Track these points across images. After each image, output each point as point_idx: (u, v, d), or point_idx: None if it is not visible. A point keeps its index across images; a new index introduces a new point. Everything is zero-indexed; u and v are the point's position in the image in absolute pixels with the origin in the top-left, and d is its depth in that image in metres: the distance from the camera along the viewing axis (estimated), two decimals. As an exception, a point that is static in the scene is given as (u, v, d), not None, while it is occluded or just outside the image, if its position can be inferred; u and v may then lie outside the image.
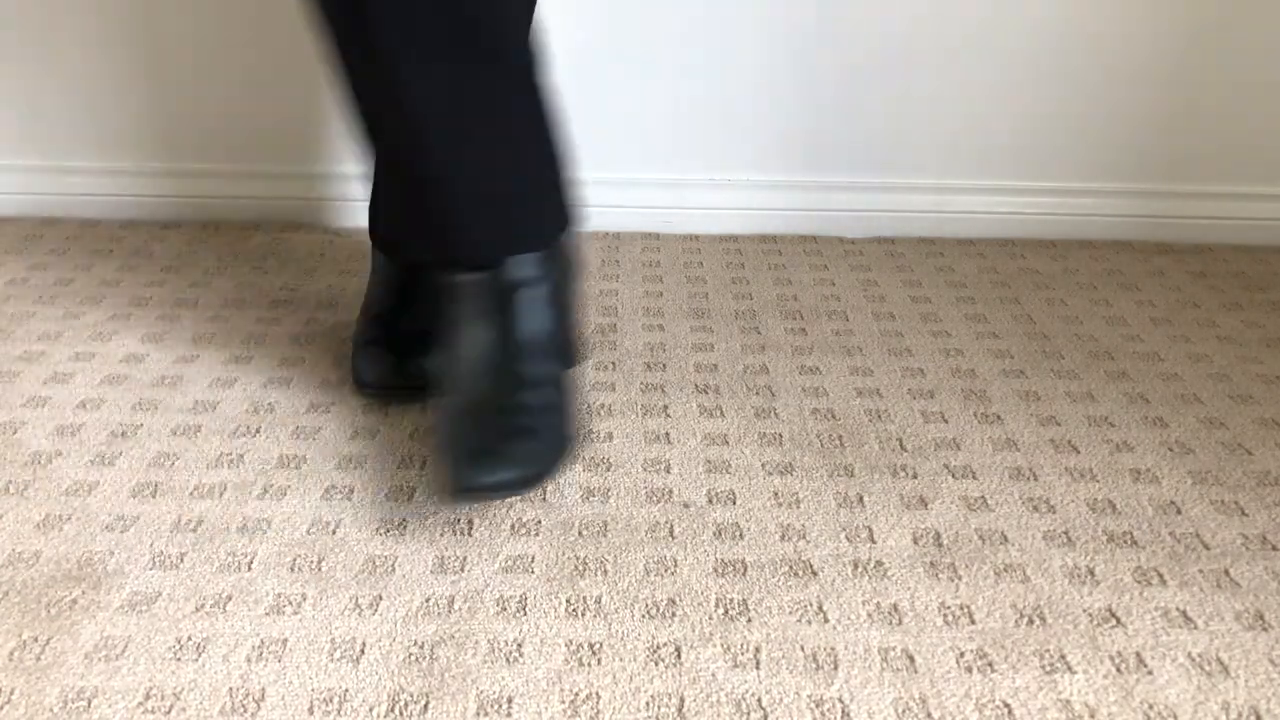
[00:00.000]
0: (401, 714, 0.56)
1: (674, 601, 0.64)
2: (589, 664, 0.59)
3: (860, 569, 0.67)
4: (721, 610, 0.63)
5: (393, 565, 0.67)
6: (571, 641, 0.61)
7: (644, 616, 0.63)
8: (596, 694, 0.57)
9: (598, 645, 0.61)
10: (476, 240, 0.72)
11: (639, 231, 1.22)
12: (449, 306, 0.75)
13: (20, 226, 1.20)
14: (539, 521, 0.71)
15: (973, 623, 0.63)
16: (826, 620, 0.63)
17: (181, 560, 0.67)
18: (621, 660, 0.60)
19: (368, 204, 0.90)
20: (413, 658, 0.60)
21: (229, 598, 0.64)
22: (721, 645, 0.61)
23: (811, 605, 0.64)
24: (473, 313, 0.73)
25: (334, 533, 0.70)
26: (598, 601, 0.64)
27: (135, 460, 0.77)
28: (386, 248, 0.84)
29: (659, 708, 0.57)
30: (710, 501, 0.74)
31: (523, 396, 0.70)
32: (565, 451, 0.71)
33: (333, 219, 1.22)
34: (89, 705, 0.56)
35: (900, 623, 0.63)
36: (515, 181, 0.72)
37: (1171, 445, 0.81)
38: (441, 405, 0.72)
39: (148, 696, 0.57)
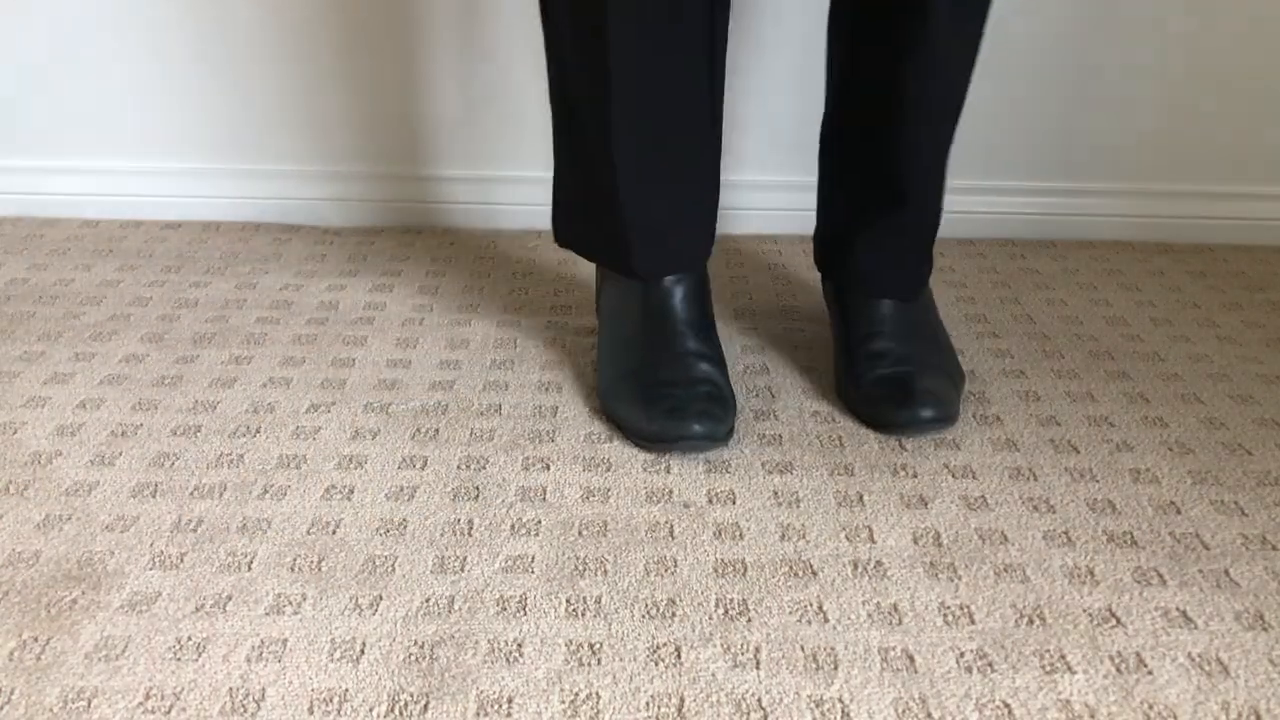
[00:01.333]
0: (401, 714, 0.56)
1: (674, 601, 0.64)
2: (589, 664, 0.59)
3: (860, 569, 0.67)
4: (721, 610, 0.63)
5: (393, 565, 0.67)
6: (571, 641, 0.61)
7: (644, 616, 0.63)
8: (596, 694, 0.57)
9: (598, 645, 0.61)
10: (679, 255, 0.84)
11: (639, 231, 1.22)
12: (623, 299, 0.86)
13: (20, 226, 1.20)
14: (539, 521, 0.71)
15: (973, 623, 0.63)
16: (826, 620, 0.63)
17: (181, 560, 0.67)
18: (621, 660, 0.60)
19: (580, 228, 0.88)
20: (413, 658, 0.60)
21: (229, 598, 0.64)
22: (721, 645, 0.61)
23: (811, 605, 0.64)
24: (655, 307, 0.84)
25: (334, 533, 0.70)
26: (598, 601, 0.64)
27: (135, 460, 0.77)
28: (574, 250, 0.90)
29: (659, 708, 0.57)
30: (710, 501, 0.74)
31: (698, 370, 0.81)
32: (736, 412, 0.81)
33: (334, 219, 1.22)
34: (89, 705, 0.56)
35: (900, 623, 0.63)
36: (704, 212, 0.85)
37: (1171, 445, 0.81)
38: (618, 381, 0.82)
39: (148, 696, 0.57)
